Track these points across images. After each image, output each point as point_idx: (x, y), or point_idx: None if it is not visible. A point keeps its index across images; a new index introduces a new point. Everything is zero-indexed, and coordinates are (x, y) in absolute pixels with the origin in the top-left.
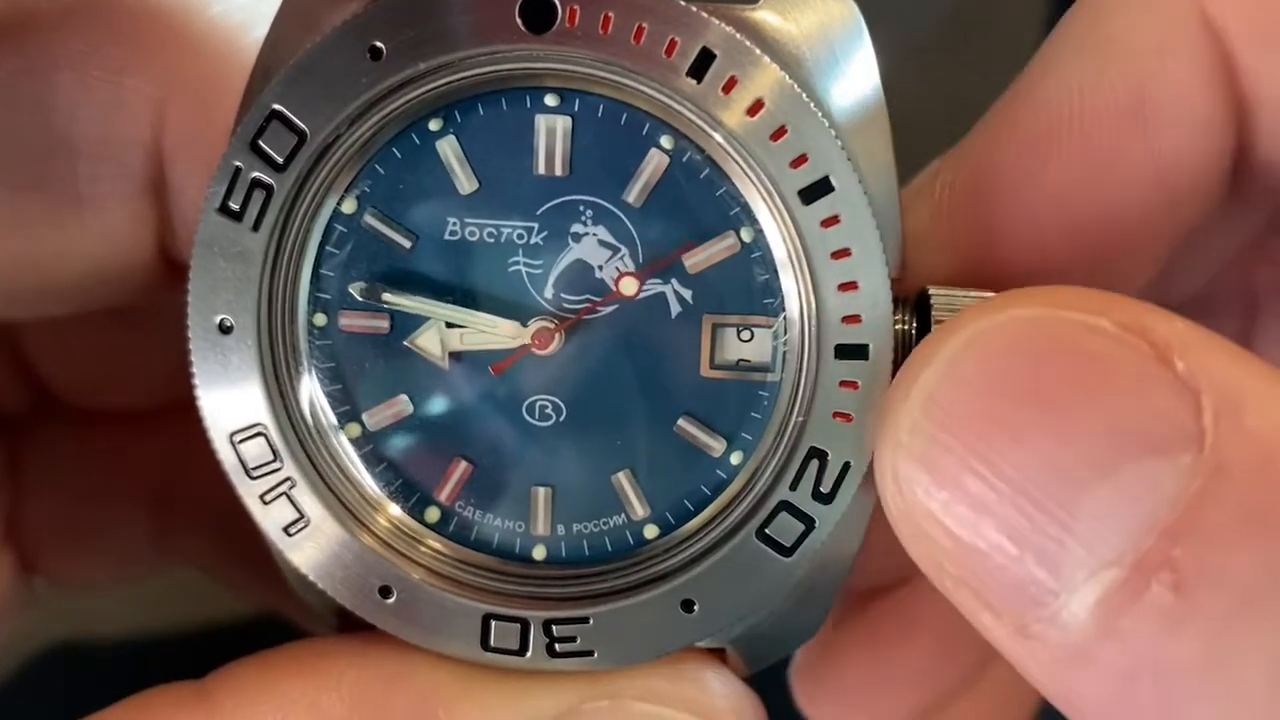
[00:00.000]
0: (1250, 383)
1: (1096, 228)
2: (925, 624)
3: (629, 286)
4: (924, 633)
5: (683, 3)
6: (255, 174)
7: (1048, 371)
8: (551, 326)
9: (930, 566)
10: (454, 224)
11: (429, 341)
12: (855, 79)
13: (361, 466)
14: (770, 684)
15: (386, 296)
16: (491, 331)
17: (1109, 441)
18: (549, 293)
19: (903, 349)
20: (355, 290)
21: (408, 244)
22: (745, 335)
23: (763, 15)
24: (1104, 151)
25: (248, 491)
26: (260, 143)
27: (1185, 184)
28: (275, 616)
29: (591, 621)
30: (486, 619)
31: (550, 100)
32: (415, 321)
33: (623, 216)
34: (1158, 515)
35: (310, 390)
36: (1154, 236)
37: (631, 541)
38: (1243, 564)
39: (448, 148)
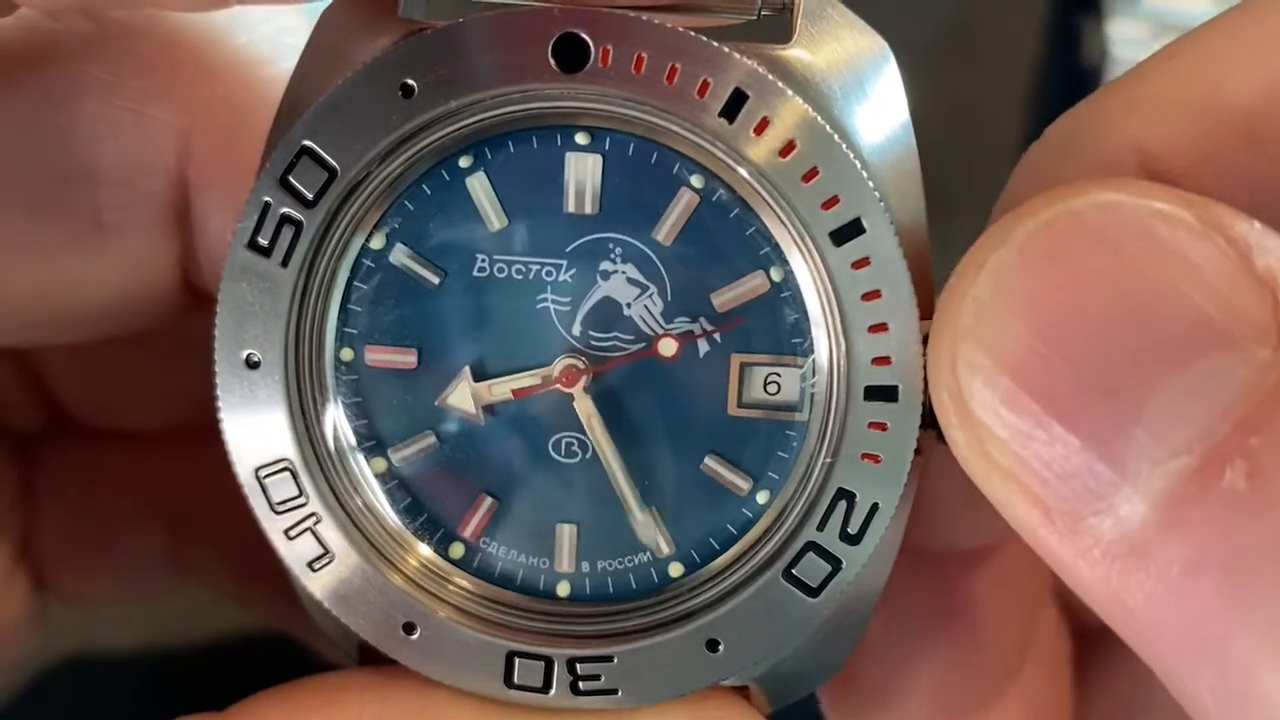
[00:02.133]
0: None
1: None
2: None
3: (668, 348)
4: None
5: (715, 43)
6: (285, 210)
7: (1127, 258)
8: (580, 366)
9: (978, 459)
10: (483, 261)
11: (461, 400)
12: (885, 116)
13: (385, 502)
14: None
15: None
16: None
17: (1185, 332)
18: (577, 330)
19: None
20: None
21: (436, 280)
22: (774, 375)
23: (795, 53)
24: None
25: (272, 526)
26: (290, 179)
27: None
28: (291, 637)
29: (615, 660)
30: (510, 656)
31: (581, 139)
32: (442, 357)
33: (652, 255)
34: (1232, 406)
35: (336, 425)
36: None
37: (656, 580)
38: None
39: (478, 185)
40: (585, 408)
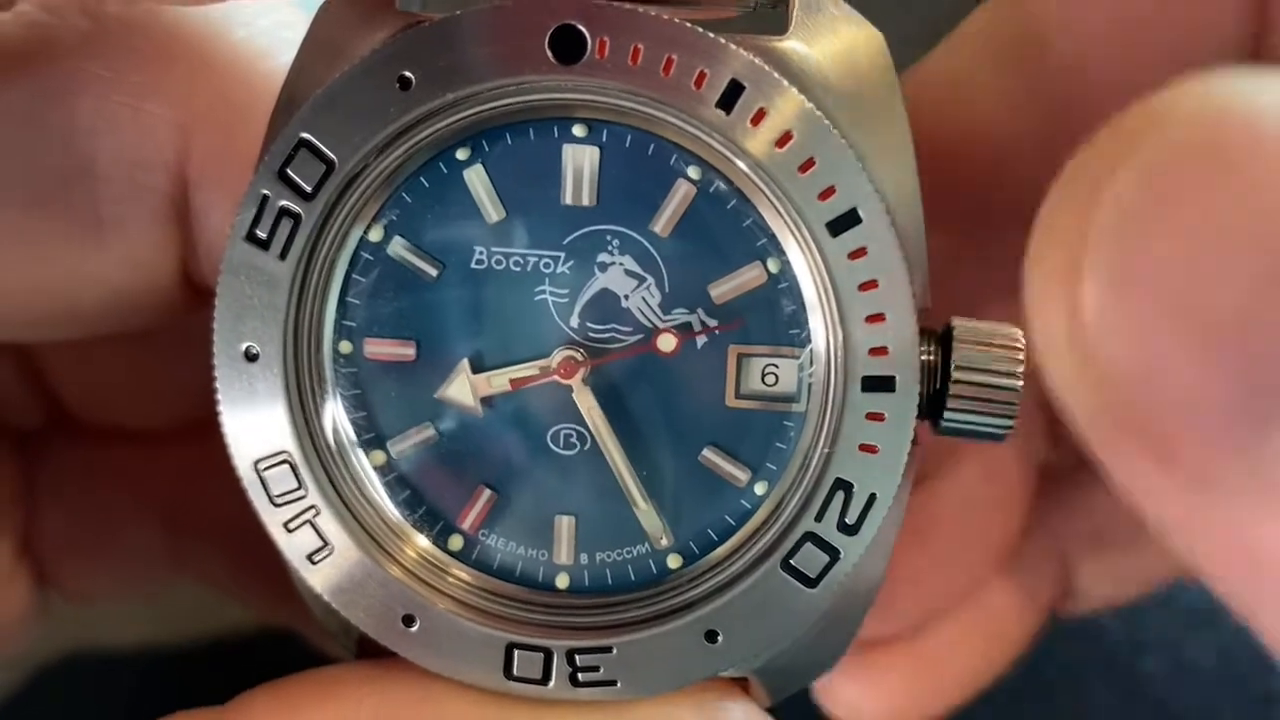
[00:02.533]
0: None
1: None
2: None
3: (667, 343)
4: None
5: (711, 34)
6: (283, 202)
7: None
8: (578, 358)
9: (1090, 402)
10: (481, 253)
11: (459, 392)
12: (881, 106)
13: (384, 494)
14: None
15: None
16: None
17: None
18: (575, 322)
19: (929, 381)
20: None
21: (434, 272)
22: (771, 366)
23: (790, 45)
24: None
25: (271, 519)
26: (288, 171)
27: None
28: (290, 633)
29: (615, 651)
30: (509, 648)
31: (578, 130)
32: (441, 349)
33: (649, 246)
34: None
35: (335, 418)
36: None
37: (655, 571)
38: None
39: (475, 177)
40: (586, 400)
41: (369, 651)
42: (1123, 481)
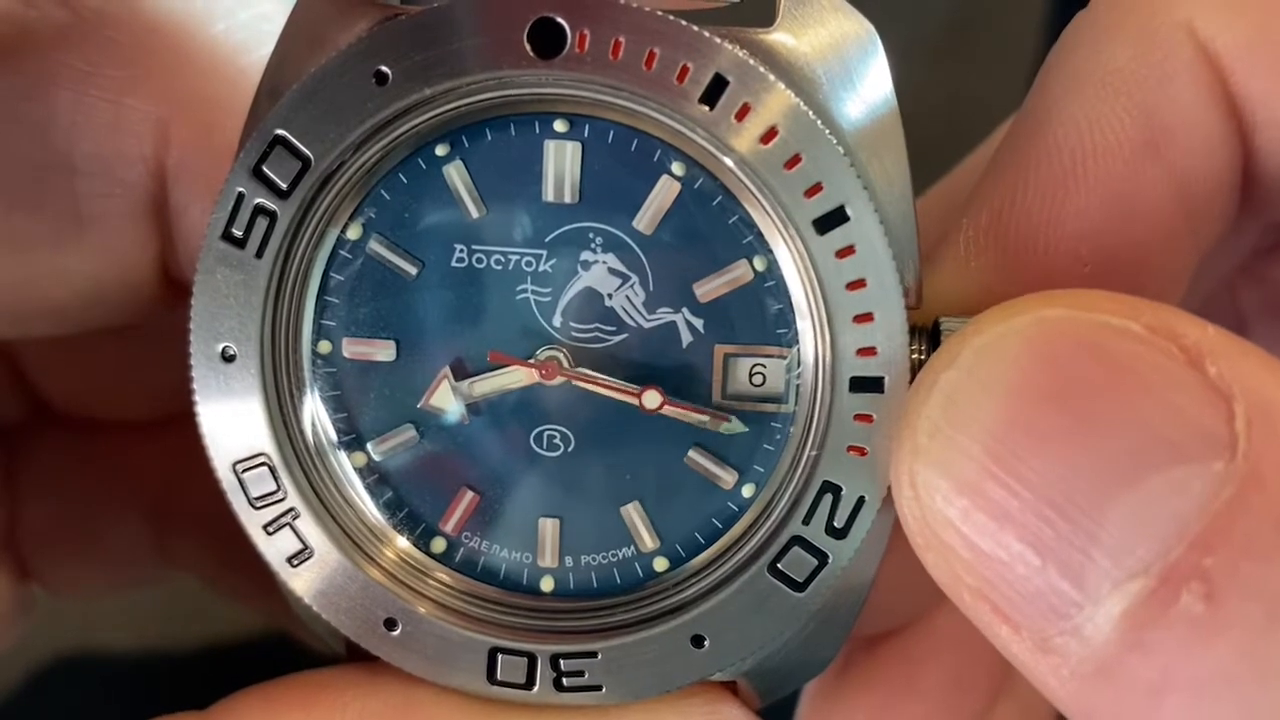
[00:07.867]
0: None
1: (1123, 258)
2: (931, 666)
3: (652, 400)
4: (930, 675)
5: (695, 27)
6: (258, 200)
7: (1074, 374)
8: (561, 359)
9: (946, 577)
10: (461, 251)
11: (443, 400)
12: (871, 101)
13: (366, 496)
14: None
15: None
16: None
17: (1137, 447)
18: (557, 321)
19: None
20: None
21: (414, 271)
22: (758, 366)
23: (778, 38)
24: (1121, 183)
25: (250, 521)
26: (263, 168)
27: (1203, 203)
28: (278, 630)
29: (600, 655)
30: (493, 652)
31: (559, 126)
32: (421, 348)
33: (633, 244)
34: (1188, 524)
35: (314, 418)
36: (1178, 258)
37: (641, 574)
38: (1278, 573)
39: (455, 173)
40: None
41: (359, 653)
42: (989, 639)
